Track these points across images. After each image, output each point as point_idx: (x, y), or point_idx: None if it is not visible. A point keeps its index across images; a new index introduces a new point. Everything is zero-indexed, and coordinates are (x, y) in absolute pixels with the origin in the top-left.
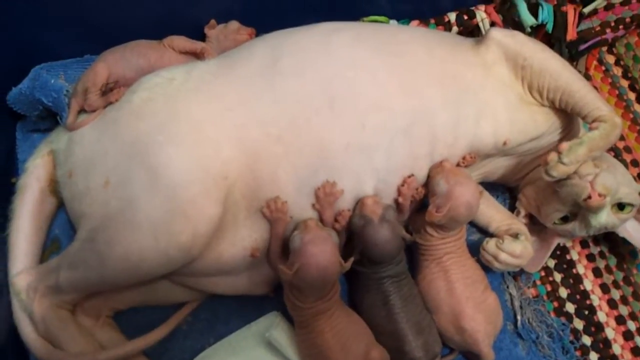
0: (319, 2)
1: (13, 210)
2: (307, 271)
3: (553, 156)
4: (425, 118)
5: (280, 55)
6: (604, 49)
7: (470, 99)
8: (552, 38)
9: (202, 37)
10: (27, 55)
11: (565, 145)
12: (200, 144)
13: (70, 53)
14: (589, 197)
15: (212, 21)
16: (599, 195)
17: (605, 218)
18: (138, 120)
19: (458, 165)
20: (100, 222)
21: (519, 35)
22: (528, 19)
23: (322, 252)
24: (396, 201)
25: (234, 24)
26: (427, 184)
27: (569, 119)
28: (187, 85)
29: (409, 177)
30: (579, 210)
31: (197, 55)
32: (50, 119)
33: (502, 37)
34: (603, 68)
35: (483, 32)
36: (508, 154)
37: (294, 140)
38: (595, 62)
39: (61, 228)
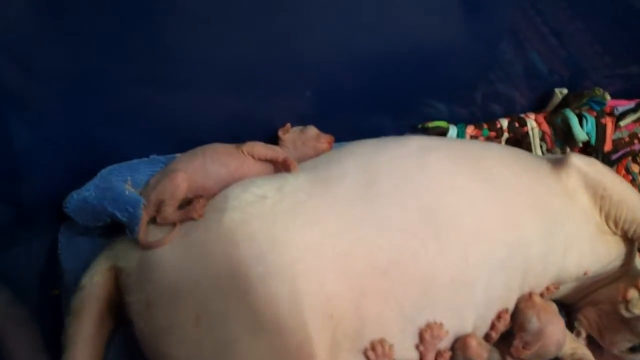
0: (385, 105)
1: (68, 337)
2: None
3: (634, 293)
4: (520, 249)
5: (377, 175)
6: (630, 158)
7: (558, 229)
8: (588, 147)
9: (274, 139)
10: (85, 153)
11: None
12: (304, 276)
13: (135, 152)
14: None
15: (288, 125)
16: None
17: None
18: (232, 246)
19: (542, 295)
20: None
21: (597, 164)
22: (580, 134)
23: None
24: (486, 334)
25: (312, 130)
26: (515, 316)
27: (632, 245)
28: (281, 206)
29: (504, 311)
30: None
31: (275, 164)
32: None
33: (582, 165)
34: (630, 177)
35: (531, 139)
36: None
37: (400, 275)
38: (623, 171)
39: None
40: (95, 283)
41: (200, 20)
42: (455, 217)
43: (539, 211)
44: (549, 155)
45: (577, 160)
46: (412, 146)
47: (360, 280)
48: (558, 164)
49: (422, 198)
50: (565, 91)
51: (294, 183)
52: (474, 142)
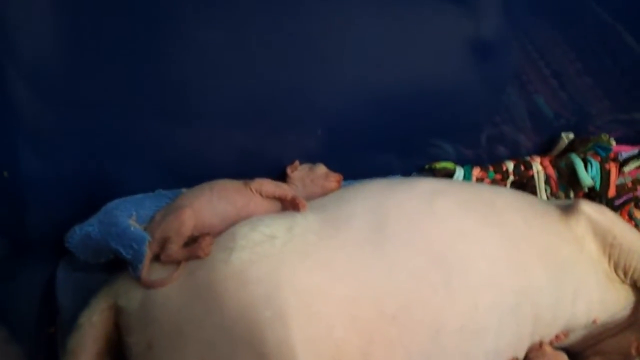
0: (393, 144)
1: None
2: None
3: None
4: (530, 296)
5: (386, 218)
6: (633, 204)
7: (568, 276)
8: (592, 192)
9: (282, 176)
10: (90, 185)
11: None
12: (312, 321)
13: (141, 186)
14: None
15: (296, 162)
16: None
17: None
18: (240, 287)
19: (550, 343)
20: None
21: (607, 212)
22: (586, 180)
23: None
24: None
25: (321, 168)
26: None
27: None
28: (290, 247)
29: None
30: None
31: (284, 202)
32: (105, 258)
33: (592, 212)
34: (633, 223)
35: (536, 183)
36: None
37: (408, 322)
38: (627, 217)
39: None
40: (93, 322)
41: (211, 54)
42: (465, 262)
43: (548, 258)
44: (557, 201)
45: (587, 207)
46: (422, 189)
47: (369, 326)
48: (567, 210)
49: (432, 243)
50: (571, 135)
51: (303, 223)
52: (484, 186)
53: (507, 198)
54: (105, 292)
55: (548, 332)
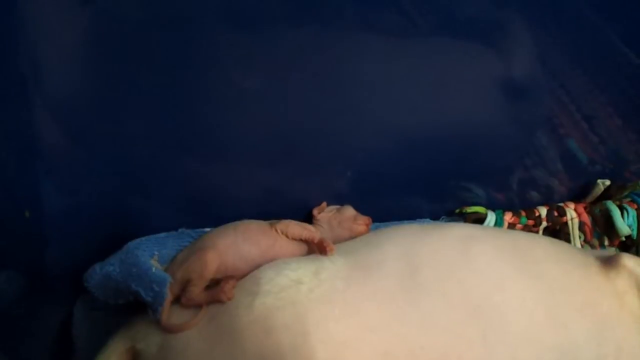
0: (422, 187)
1: None
2: None
3: None
4: (570, 354)
5: (419, 266)
6: None
7: (609, 334)
8: (627, 240)
9: (308, 218)
10: (112, 223)
11: None
12: None
13: (164, 224)
14: None
15: (324, 204)
16: None
17: None
18: (264, 335)
19: None
20: None
21: None
22: (624, 228)
23: None
24: None
25: (349, 211)
26: None
27: None
28: (318, 293)
29: None
30: None
31: (310, 245)
32: (124, 300)
33: (634, 267)
34: None
35: (570, 230)
36: None
37: None
38: None
39: None
40: None
41: (244, 96)
42: (503, 316)
43: (588, 313)
44: (595, 251)
45: (629, 261)
46: (457, 234)
47: None
48: (607, 262)
49: (469, 294)
50: (607, 182)
51: (332, 268)
52: (519, 233)
53: (545, 247)
54: (123, 334)
55: None
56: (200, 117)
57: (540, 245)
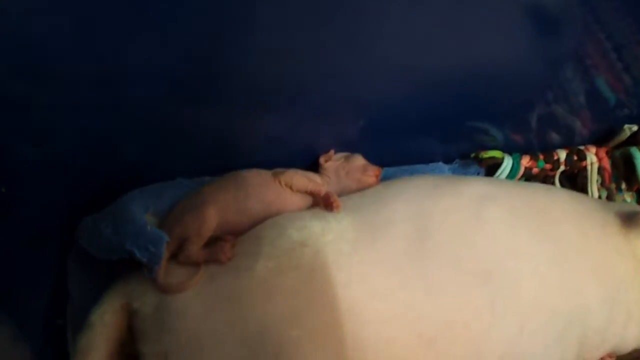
0: (436, 129)
1: None
2: None
3: None
4: (580, 320)
5: (429, 229)
6: None
7: (622, 298)
8: None
9: (314, 165)
10: (102, 171)
11: None
12: (345, 344)
13: (160, 173)
14: None
15: (331, 152)
16: None
17: None
18: (265, 300)
19: None
20: None
21: None
22: None
23: None
24: None
25: (358, 160)
26: None
27: None
28: (322, 257)
29: None
30: None
31: (316, 197)
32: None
33: None
34: None
35: (589, 174)
36: None
37: (448, 347)
38: None
39: None
40: (105, 322)
41: (241, 26)
42: (514, 283)
43: (603, 277)
44: (617, 205)
45: None
46: (470, 193)
47: (405, 350)
48: (628, 222)
49: (479, 259)
50: (635, 128)
51: (337, 229)
52: (538, 188)
53: (563, 204)
54: (119, 289)
55: (594, 356)
56: (198, 55)
57: (559, 203)
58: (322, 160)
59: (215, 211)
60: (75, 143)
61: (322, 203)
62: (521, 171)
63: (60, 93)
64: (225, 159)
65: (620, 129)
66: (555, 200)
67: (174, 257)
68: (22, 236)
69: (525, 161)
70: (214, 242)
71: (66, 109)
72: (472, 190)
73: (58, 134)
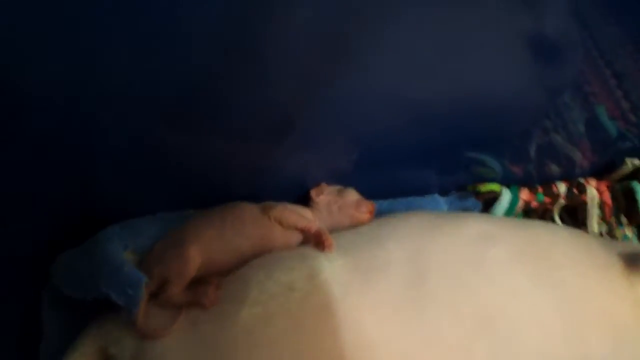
0: (432, 160)
1: None
2: None
3: None
4: None
5: (427, 271)
6: None
7: (627, 347)
8: None
9: (304, 199)
10: (82, 203)
11: None
12: None
13: (140, 207)
14: None
15: (323, 184)
16: None
17: None
18: (250, 350)
19: None
20: None
21: None
22: None
23: None
24: None
25: (351, 195)
26: None
27: None
28: (312, 301)
29: None
30: None
31: (306, 234)
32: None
33: None
34: None
35: (589, 209)
36: None
37: None
38: None
39: None
40: None
41: (228, 49)
42: (516, 330)
43: (607, 325)
44: (620, 245)
45: None
46: (470, 234)
47: None
48: (631, 264)
49: (479, 305)
50: (637, 162)
51: (328, 270)
52: (539, 229)
53: (565, 247)
54: (95, 333)
55: None
56: (184, 87)
57: (561, 245)
58: (313, 194)
59: (199, 250)
60: (51, 175)
61: (313, 241)
62: (520, 205)
63: (29, 122)
64: (210, 191)
65: (622, 161)
66: (557, 242)
67: (154, 296)
68: None
69: (524, 194)
70: (197, 282)
71: (43, 137)
72: (472, 229)
73: (33, 164)
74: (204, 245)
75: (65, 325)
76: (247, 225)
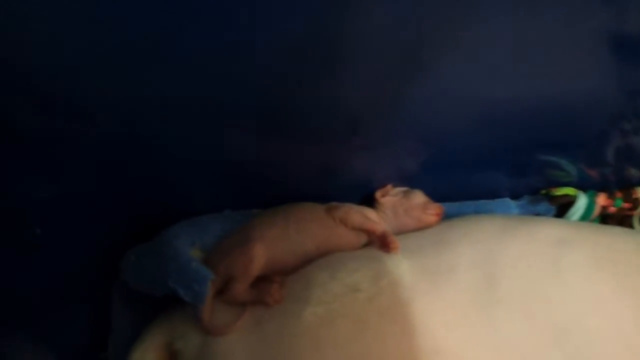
0: (505, 163)
1: None
2: None
3: None
4: None
5: (498, 276)
6: None
7: None
8: None
9: (369, 200)
10: (146, 201)
11: None
12: None
13: (206, 206)
14: None
15: (389, 186)
16: None
17: None
18: (313, 351)
19: None
20: None
21: None
22: None
23: None
24: None
25: (418, 197)
26: None
27: None
28: (377, 304)
29: None
30: None
31: (371, 236)
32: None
33: None
34: None
35: None
36: None
37: None
38: None
39: None
40: None
41: (306, 58)
42: (593, 342)
43: None
44: None
45: None
46: (546, 239)
47: None
48: None
49: (554, 314)
50: None
51: (394, 272)
52: (619, 234)
53: None
54: (161, 326)
55: None
56: (247, 79)
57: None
58: (378, 195)
59: (264, 249)
60: (120, 175)
61: (378, 242)
62: (597, 210)
63: (96, 125)
64: (275, 191)
65: None
66: (637, 249)
67: (220, 293)
68: (64, 271)
69: (602, 199)
70: (262, 281)
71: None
72: (547, 234)
73: (103, 167)
74: (269, 244)
75: (133, 319)
76: (311, 226)
